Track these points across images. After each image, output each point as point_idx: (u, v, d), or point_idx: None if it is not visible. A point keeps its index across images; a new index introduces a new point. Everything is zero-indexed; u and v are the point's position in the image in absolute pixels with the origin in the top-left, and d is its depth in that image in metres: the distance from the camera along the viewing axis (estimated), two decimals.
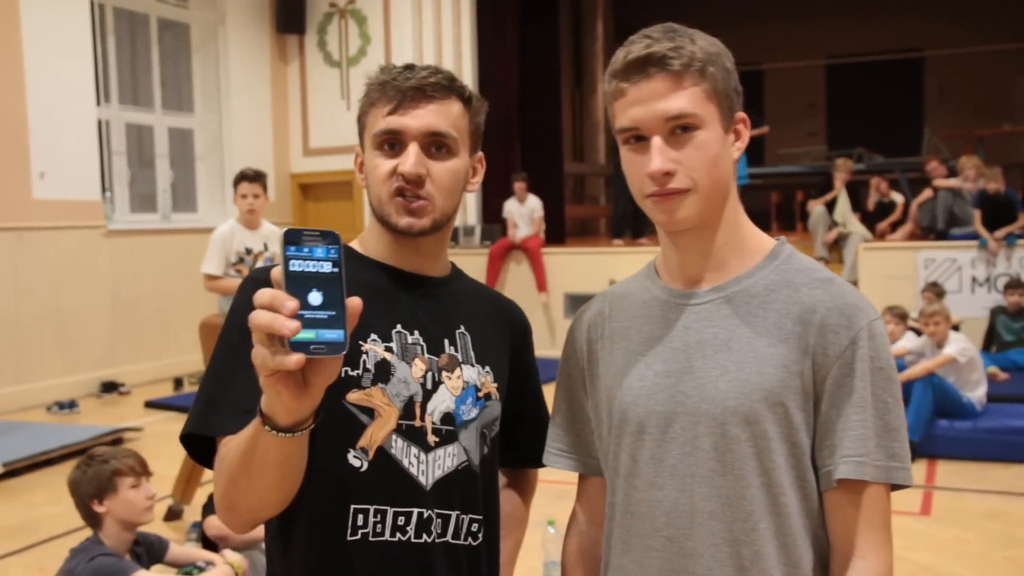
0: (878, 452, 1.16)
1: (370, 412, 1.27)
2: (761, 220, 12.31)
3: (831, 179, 9.33)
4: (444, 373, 1.33)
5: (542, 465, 1.48)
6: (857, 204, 9.65)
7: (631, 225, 10.24)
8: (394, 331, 1.32)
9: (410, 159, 1.29)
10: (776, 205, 13.05)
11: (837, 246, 9.07)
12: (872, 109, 14.89)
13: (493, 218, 10.39)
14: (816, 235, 9.13)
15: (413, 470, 1.28)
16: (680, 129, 1.17)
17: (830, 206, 9.13)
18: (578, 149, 15.15)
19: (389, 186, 1.31)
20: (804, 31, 14.71)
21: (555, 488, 5.20)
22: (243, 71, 10.14)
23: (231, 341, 1.25)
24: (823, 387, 1.18)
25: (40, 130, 7.69)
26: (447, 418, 1.32)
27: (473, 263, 9.97)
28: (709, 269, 1.25)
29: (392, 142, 1.31)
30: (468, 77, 10.43)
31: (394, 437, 1.27)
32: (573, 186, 14.50)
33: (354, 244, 1.41)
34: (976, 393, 5.68)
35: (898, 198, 9.91)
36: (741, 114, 1.23)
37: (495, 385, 1.39)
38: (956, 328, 6.41)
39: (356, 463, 1.25)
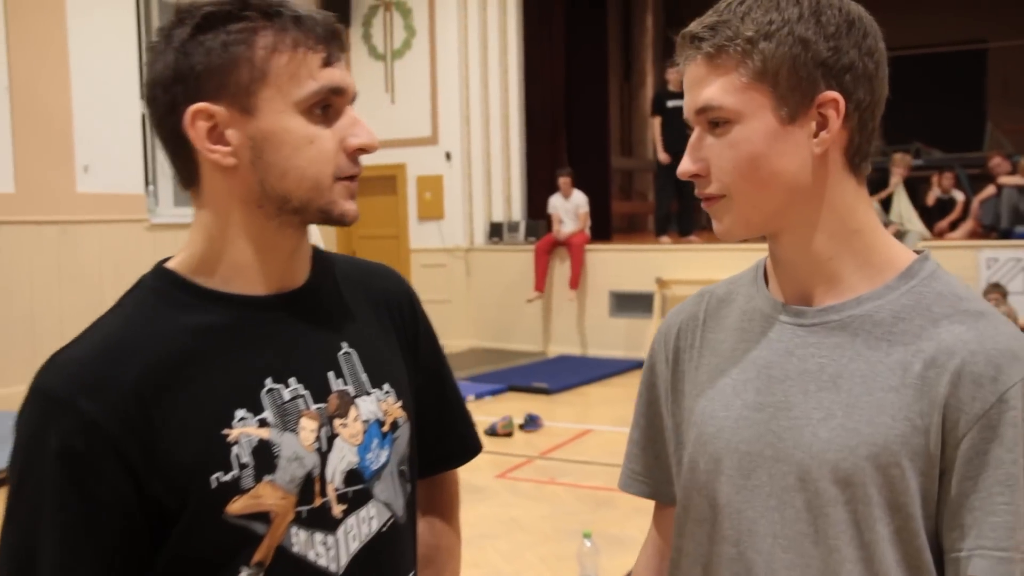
0: None
1: (264, 516, 0.98)
2: None
3: (887, 175, 9.03)
4: (337, 422, 1.05)
5: (462, 463, 1.27)
6: (915, 201, 9.33)
7: (676, 222, 10.01)
8: (264, 392, 1.01)
9: (367, 128, 1.02)
10: None
11: None
12: (931, 103, 14.43)
13: (538, 214, 10.24)
14: None
15: (322, 560, 1.02)
16: (715, 123, 0.98)
17: (886, 203, 8.84)
18: (626, 143, 14.94)
19: (335, 165, 1.00)
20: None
21: (595, 495, 5.11)
22: None
23: (31, 500, 0.94)
24: (956, 452, 0.92)
25: (84, 124, 7.70)
26: (352, 476, 1.05)
27: (518, 259, 9.83)
28: (819, 283, 1.01)
29: (327, 103, 1.00)
30: (514, 69, 10.30)
31: (293, 530, 1.00)
32: (620, 181, 14.29)
33: (179, 267, 1.04)
34: None
35: (958, 195, 9.57)
36: (828, 94, 0.95)
37: (399, 404, 1.13)
38: (1022, 331, 6.11)
39: None
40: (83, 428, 0.92)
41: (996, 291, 7.17)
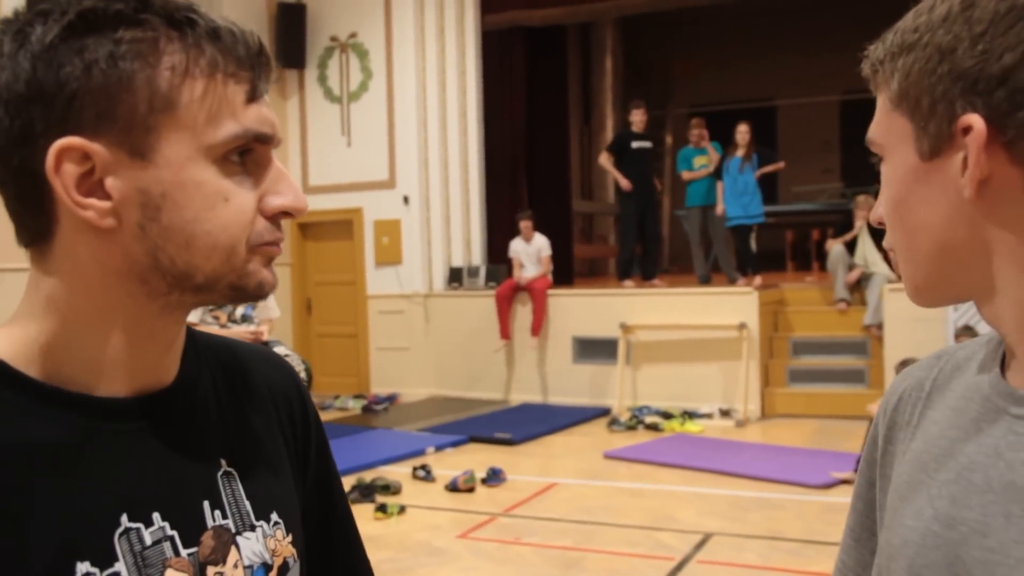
0: None
1: None
2: (776, 260, 12.10)
3: (852, 217, 8.95)
4: (211, 570, 0.78)
5: None
6: (879, 243, 9.26)
7: (639, 266, 9.84)
8: (119, 535, 0.73)
9: (295, 185, 0.77)
10: (791, 244, 12.69)
11: (859, 287, 8.66)
12: None
13: (499, 258, 10.02)
14: (836, 276, 8.74)
15: None
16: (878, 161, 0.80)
17: (850, 246, 8.75)
18: (587, 187, 14.83)
19: (255, 229, 0.75)
20: (818, 67, 14.42)
21: (564, 555, 4.83)
22: None
23: None
24: None
25: None
26: None
27: (479, 305, 9.58)
28: None
29: (244, 151, 0.75)
30: (473, 112, 10.13)
31: None
32: (582, 225, 14.15)
33: (8, 356, 0.73)
34: None
35: None
36: (965, 118, 0.69)
37: (290, 539, 0.86)
38: None
39: None
40: None
41: (966, 333, 7.06)
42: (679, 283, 9.75)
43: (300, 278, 10.54)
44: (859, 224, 8.78)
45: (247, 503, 0.82)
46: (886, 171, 0.77)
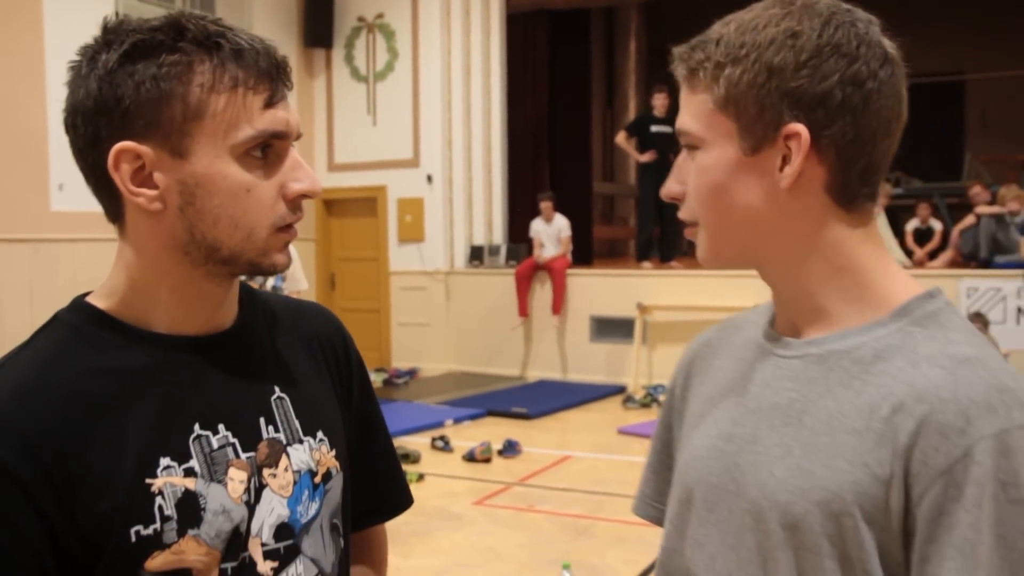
0: None
1: (186, 573, 0.91)
2: None
3: None
4: (266, 472, 0.98)
5: (390, 518, 1.21)
6: (896, 230, 9.36)
7: (657, 248, 9.99)
8: (192, 439, 0.94)
9: (311, 173, 0.95)
10: None
11: None
12: (911, 133, 14.52)
13: (519, 237, 10.19)
14: None
15: None
16: (690, 147, 0.95)
17: None
18: (608, 169, 14.95)
19: (275, 214, 0.94)
20: None
21: (575, 523, 5.02)
22: None
23: None
24: (917, 509, 0.82)
25: (60, 142, 7.54)
26: (283, 530, 0.98)
27: (499, 283, 9.77)
28: (806, 316, 0.95)
29: (265, 146, 0.93)
30: (496, 93, 10.28)
31: None
32: (602, 207, 14.29)
33: (101, 302, 0.97)
34: None
35: (936, 225, 9.60)
36: (791, 127, 0.87)
37: (333, 453, 1.05)
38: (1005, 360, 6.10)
39: None
40: None
41: (977, 320, 7.17)
42: (696, 265, 9.87)
43: (324, 254, 10.77)
44: (875, 211, 8.88)
45: (296, 421, 1.02)
46: (704, 159, 0.92)
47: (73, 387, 0.90)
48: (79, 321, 0.95)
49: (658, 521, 1.12)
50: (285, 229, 0.95)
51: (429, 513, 5.03)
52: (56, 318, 0.97)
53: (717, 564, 0.94)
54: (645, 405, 8.06)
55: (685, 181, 0.95)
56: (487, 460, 6.21)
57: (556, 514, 5.06)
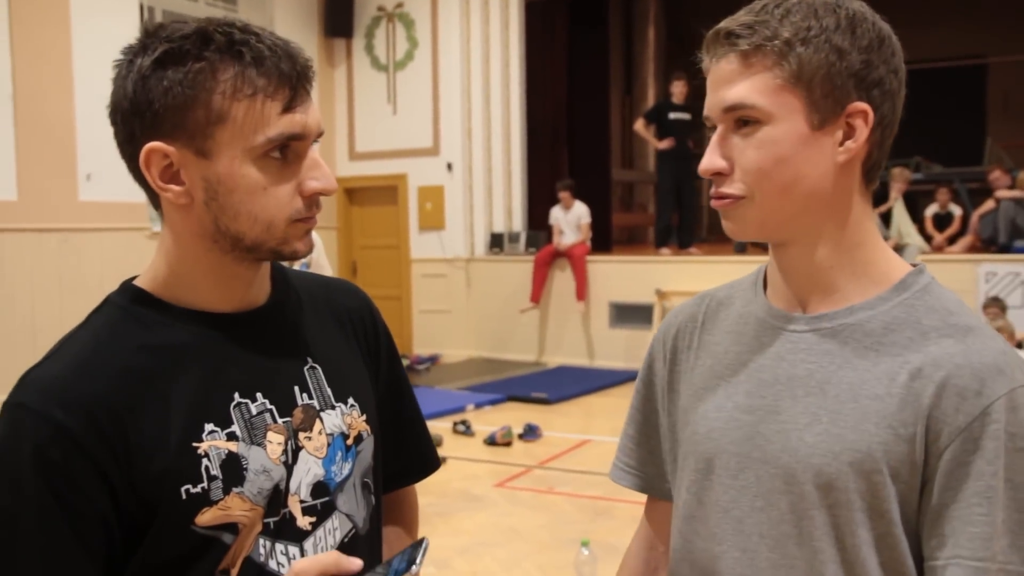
0: (1011, 554, 0.92)
1: (232, 527, 1.01)
2: None
3: (887, 188, 9.06)
4: (302, 435, 1.07)
5: (419, 479, 1.29)
6: (916, 215, 9.36)
7: (676, 234, 10.03)
8: (233, 407, 1.03)
9: (327, 172, 1.02)
10: None
11: None
12: (931, 117, 14.46)
13: (539, 225, 10.27)
14: None
15: (283, 570, 1.03)
16: (743, 123, 0.98)
17: (885, 217, 8.87)
18: (627, 156, 14.97)
19: (291, 209, 1.01)
20: None
21: (594, 504, 5.11)
22: None
23: (10, 510, 0.95)
24: (938, 463, 0.94)
25: (88, 132, 7.72)
26: (319, 488, 1.08)
27: (518, 270, 9.86)
28: (815, 292, 1.03)
29: (283, 147, 0.99)
30: (516, 82, 10.35)
31: (261, 540, 1.03)
32: (621, 194, 14.32)
33: (146, 284, 1.07)
34: None
35: (956, 210, 9.59)
36: (858, 105, 0.96)
37: (363, 418, 1.15)
38: (1020, 346, 6.14)
39: None
40: (59, 439, 0.94)
41: (995, 305, 7.19)
42: (715, 252, 9.93)
43: (346, 242, 10.89)
44: (894, 196, 8.88)
45: (328, 389, 1.11)
46: (771, 133, 0.96)
47: (125, 361, 1.00)
48: (127, 302, 1.06)
49: (637, 488, 1.22)
50: (304, 220, 1.02)
51: (451, 495, 5.14)
52: (108, 300, 1.08)
53: (746, 526, 1.02)
54: None
55: (729, 156, 0.99)
56: (508, 444, 6.31)
57: (575, 496, 5.16)
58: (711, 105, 1.01)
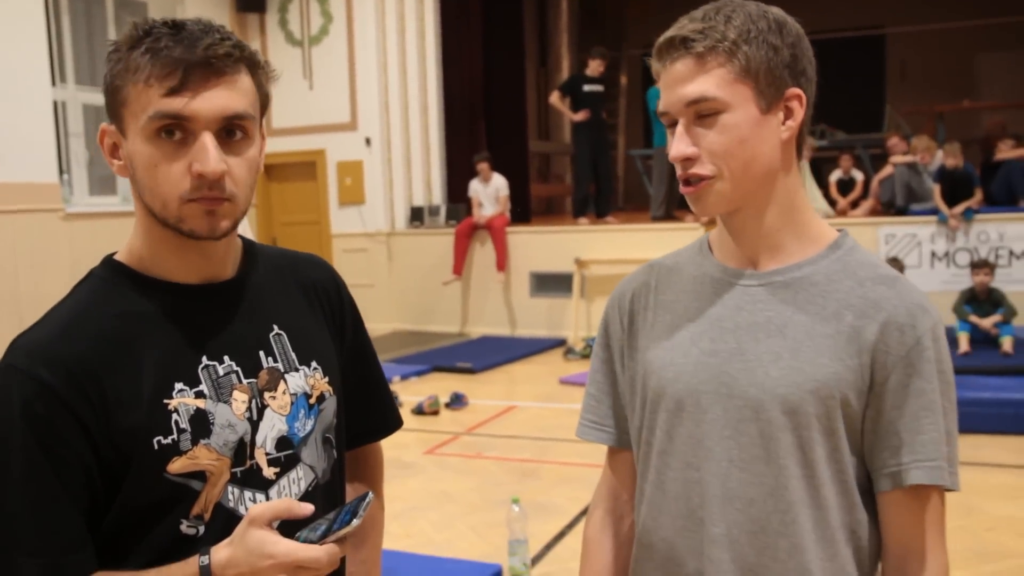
0: (952, 458, 1.15)
1: (201, 475, 1.12)
2: None
3: None
4: (267, 395, 1.18)
5: (383, 436, 1.42)
6: (820, 180, 9.73)
7: (593, 204, 10.24)
8: (201, 368, 1.15)
9: (210, 156, 1.07)
10: None
11: None
12: (834, 86, 14.89)
13: (458, 198, 10.36)
14: None
15: None
16: (704, 114, 1.15)
17: None
18: (543, 127, 15.11)
19: (181, 188, 1.08)
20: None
21: (522, 467, 5.29)
22: None
23: (13, 464, 1.06)
24: (884, 387, 1.15)
25: None
26: (282, 442, 1.19)
27: (439, 243, 9.95)
28: (764, 251, 1.22)
29: (174, 129, 1.07)
30: (431, 55, 10.38)
31: (230, 488, 1.14)
32: (539, 165, 14.47)
33: (123, 257, 1.18)
34: None
35: (858, 175, 10.00)
36: (794, 90, 1.16)
37: (326, 380, 1.26)
38: None
39: (191, 531, 1.12)
40: (44, 394, 1.06)
41: (895, 265, 7.57)
42: (631, 220, 10.17)
43: (266, 219, 10.82)
44: (801, 163, 9.19)
45: (292, 354, 1.23)
46: (731, 119, 1.14)
47: (103, 327, 1.12)
48: (107, 274, 1.18)
49: (603, 441, 1.37)
50: (200, 201, 1.08)
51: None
52: (91, 273, 1.20)
53: (716, 453, 1.20)
54: (585, 356, 8.34)
55: (696, 143, 1.15)
56: (435, 413, 6.45)
57: (503, 459, 5.33)
58: (671, 101, 1.17)
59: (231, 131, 1.10)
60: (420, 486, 4.90)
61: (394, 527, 4.31)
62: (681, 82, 1.15)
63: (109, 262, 1.19)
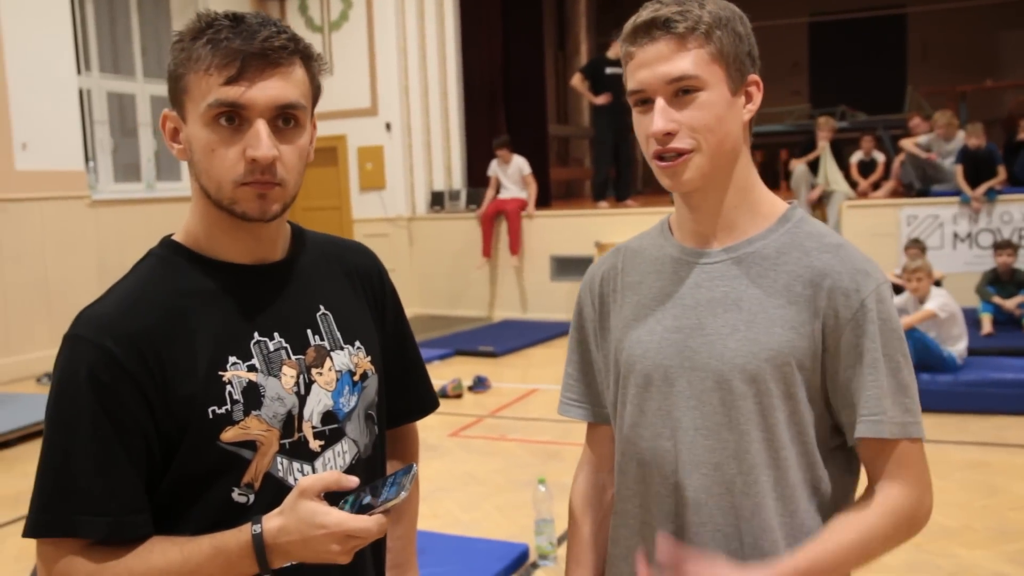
0: (895, 409, 1.21)
1: (251, 444, 1.18)
2: None
3: (814, 138, 9.35)
4: (314, 371, 1.25)
5: (420, 417, 1.48)
6: (841, 162, 9.69)
7: (613, 188, 10.25)
8: (253, 344, 1.21)
9: (263, 142, 1.14)
10: (760, 164, 13.04)
11: (821, 204, 9.11)
12: (855, 66, 14.85)
13: (479, 182, 10.40)
14: (799, 194, 9.14)
15: None
16: (683, 91, 1.20)
17: (813, 165, 9.16)
18: (562, 111, 15.11)
19: (235, 172, 1.15)
20: None
21: (545, 448, 5.35)
22: None
23: (67, 421, 1.14)
24: (837, 350, 1.23)
25: (21, 101, 7.63)
26: (328, 416, 1.25)
27: (460, 227, 10.00)
28: (720, 229, 1.29)
29: (231, 116, 1.15)
30: (451, 39, 10.40)
31: (279, 459, 1.20)
32: (558, 148, 14.48)
33: (180, 238, 1.26)
34: (957, 347, 5.78)
35: (879, 156, 9.96)
36: (754, 77, 1.26)
37: (368, 359, 1.32)
38: (938, 284, 6.50)
39: (242, 499, 1.18)
40: (108, 363, 1.13)
41: (915, 246, 7.54)
42: (651, 203, 10.18)
43: None
44: (821, 144, 9.17)
45: (338, 333, 1.30)
46: (708, 97, 1.20)
47: (161, 302, 1.19)
48: (165, 253, 1.25)
49: (582, 417, 1.45)
50: (249, 184, 1.15)
51: None
52: (150, 252, 1.27)
53: (683, 423, 1.27)
54: None
55: (676, 120, 1.20)
56: (459, 396, 6.52)
57: (527, 441, 5.40)
58: (651, 79, 1.22)
59: (284, 119, 1.17)
60: (445, 468, 4.96)
61: (421, 507, 4.33)
62: (662, 60, 1.20)
63: (167, 242, 1.26)
